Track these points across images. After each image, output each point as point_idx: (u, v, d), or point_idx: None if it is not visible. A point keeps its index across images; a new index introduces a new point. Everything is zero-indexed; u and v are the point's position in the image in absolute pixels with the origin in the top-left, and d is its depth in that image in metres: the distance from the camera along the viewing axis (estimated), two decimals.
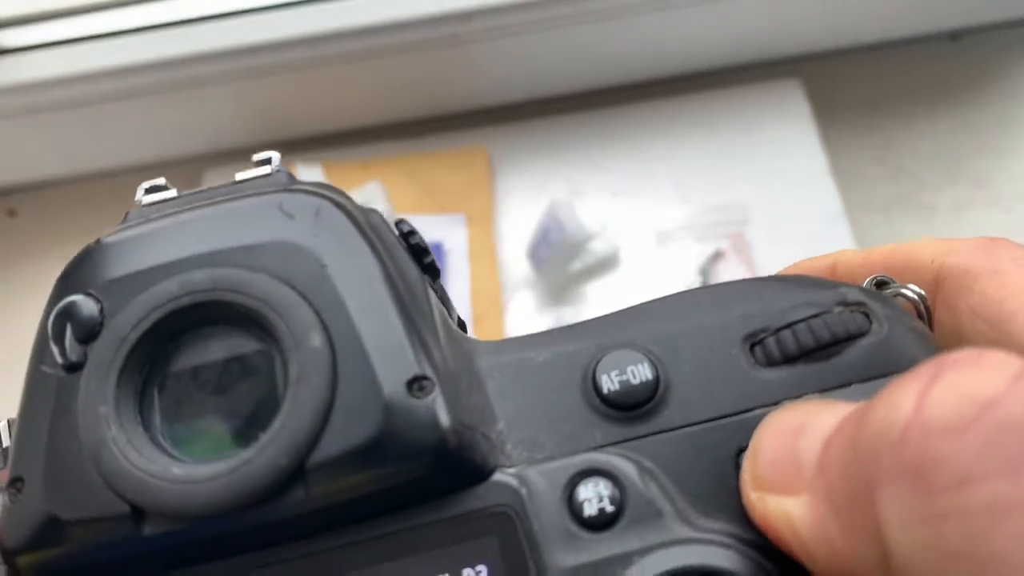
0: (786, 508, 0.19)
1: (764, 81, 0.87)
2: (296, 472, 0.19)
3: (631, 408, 0.22)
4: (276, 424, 0.20)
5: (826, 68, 0.89)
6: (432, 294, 0.23)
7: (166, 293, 0.21)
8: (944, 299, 0.24)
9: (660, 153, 0.86)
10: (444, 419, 0.20)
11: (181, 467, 0.20)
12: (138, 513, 0.20)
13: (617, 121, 0.88)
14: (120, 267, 0.21)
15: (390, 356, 0.20)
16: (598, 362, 0.22)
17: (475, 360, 0.23)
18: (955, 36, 0.89)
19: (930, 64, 0.88)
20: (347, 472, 0.20)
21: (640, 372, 0.22)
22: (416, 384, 0.20)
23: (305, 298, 0.21)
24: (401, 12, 0.80)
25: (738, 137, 0.85)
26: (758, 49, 0.89)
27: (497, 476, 0.21)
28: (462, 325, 0.25)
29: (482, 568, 0.20)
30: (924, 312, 0.25)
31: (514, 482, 0.21)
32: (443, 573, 0.20)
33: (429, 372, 0.20)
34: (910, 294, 0.25)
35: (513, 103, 0.91)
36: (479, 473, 0.21)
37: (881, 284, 0.26)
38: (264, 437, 0.20)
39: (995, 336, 0.23)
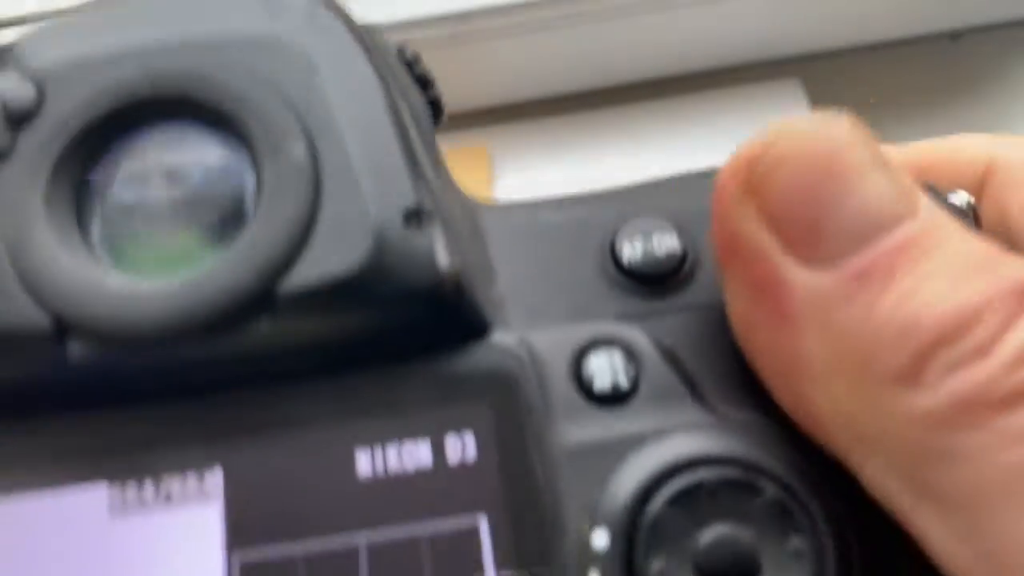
0: None
1: (764, 81, 0.86)
2: (263, 296, 0.16)
3: (653, 281, 0.19)
4: (243, 240, 0.16)
5: (826, 68, 0.88)
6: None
7: (125, 80, 0.17)
8: (991, 195, 0.22)
9: (661, 153, 0.84)
10: (443, 258, 0.17)
11: (122, 280, 0.16)
12: (62, 330, 0.16)
13: (617, 121, 0.87)
14: (71, 48, 0.18)
15: (385, 180, 0.17)
16: (619, 228, 0.20)
17: (478, 217, 0.20)
18: (955, 36, 0.88)
19: (930, 64, 0.87)
20: (325, 304, 0.16)
21: (666, 243, 0.19)
22: (413, 216, 0.17)
23: (289, 103, 0.17)
24: (400, 12, 0.77)
25: (739, 137, 0.84)
26: (758, 49, 0.88)
27: (496, 336, 0.18)
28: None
29: (469, 436, 0.17)
30: (973, 221, 0.22)
31: (515, 345, 0.18)
32: (423, 437, 0.17)
33: (429, 206, 0.17)
34: (958, 203, 0.23)
35: (513, 103, 0.89)
36: (475, 330, 0.18)
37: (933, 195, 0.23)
38: (227, 254, 0.16)
39: None
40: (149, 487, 0.17)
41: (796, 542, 0.16)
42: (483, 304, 0.18)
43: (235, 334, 0.16)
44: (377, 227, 0.17)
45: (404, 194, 0.17)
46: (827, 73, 0.87)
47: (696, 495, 0.16)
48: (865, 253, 0.16)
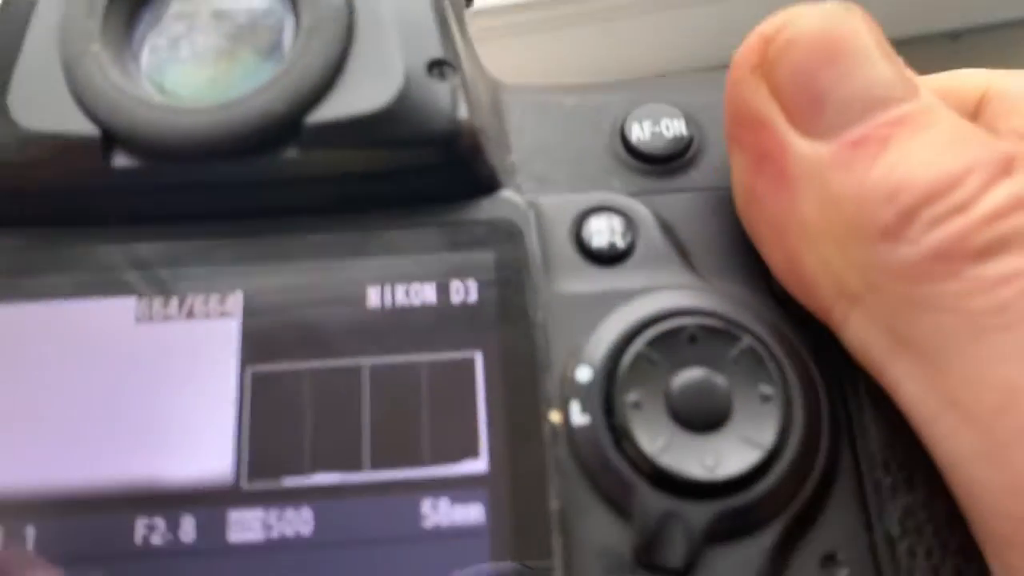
0: None
1: None
2: (292, 125, 0.17)
3: (658, 161, 0.20)
4: (279, 73, 0.18)
5: None
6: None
7: None
8: (986, 122, 0.23)
9: None
10: (463, 111, 0.18)
11: (165, 101, 0.18)
12: (109, 140, 0.18)
13: None
14: None
15: (414, 32, 0.18)
16: (631, 112, 0.21)
17: (499, 92, 0.21)
18: (955, 36, 0.88)
19: (930, 64, 0.86)
20: (349, 139, 0.18)
21: (674, 127, 0.21)
22: (437, 67, 0.18)
23: None
24: None
25: None
26: None
27: (506, 193, 0.19)
28: None
29: (472, 283, 0.19)
30: None
31: (523, 203, 0.19)
32: (429, 281, 0.19)
33: (454, 61, 0.18)
34: None
35: None
36: (486, 185, 0.19)
37: None
38: (263, 85, 0.18)
39: None
40: (174, 302, 0.19)
41: (766, 390, 0.17)
42: (496, 164, 0.19)
43: (263, 158, 0.18)
44: (405, 71, 0.18)
45: (431, 46, 0.18)
46: None
47: (676, 339, 0.17)
48: (863, 126, 0.17)
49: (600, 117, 0.21)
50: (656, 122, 0.20)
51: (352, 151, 0.18)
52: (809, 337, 0.19)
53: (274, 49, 0.18)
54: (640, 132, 0.20)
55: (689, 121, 0.21)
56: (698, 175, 0.20)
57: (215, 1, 0.19)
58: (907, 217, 0.16)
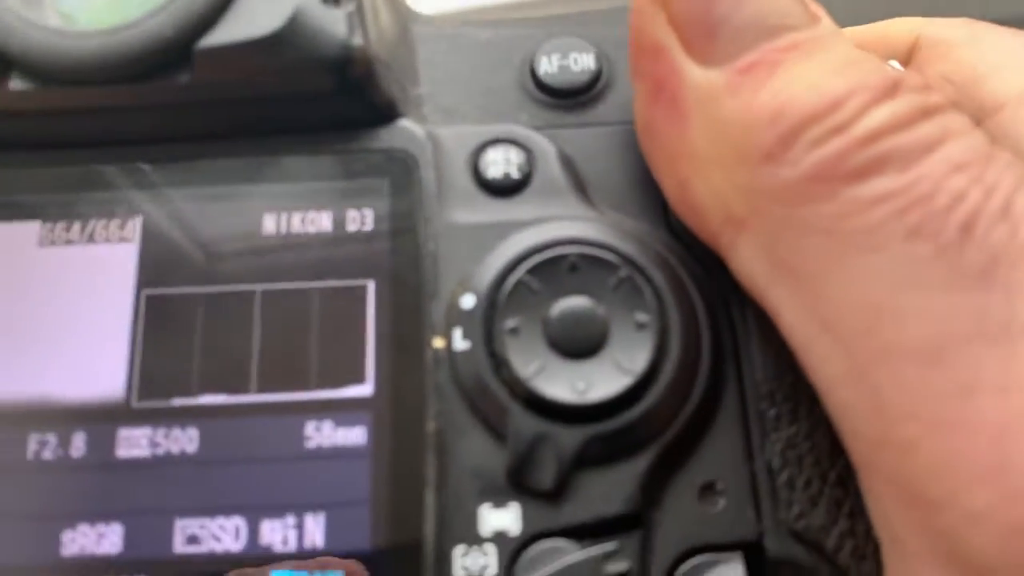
0: None
1: None
2: (182, 50, 0.18)
3: (565, 95, 0.20)
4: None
5: None
6: None
7: None
8: (916, 68, 0.23)
9: None
10: (357, 38, 0.18)
11: (63, 26, 0.18)
12: (4, 63, 0.18)
13: None
14: None
15: None
16: (541, 45, 0.21)
17: (411, 24, 0.21)
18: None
19: None
20: (239, 65, 0.18)
21: (583, 61, 0.20)
22: None
23: None
24: None
25: None
26: None
27: (404, 122, 0.19)
28: None
29: (368, 211, 0.19)
30: None
31: (421, 133, 0.19)
32: (325, 209, 0.19)
33: None
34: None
35: None
36: (384, 115, 0.19)
37: None
38: (158, 11, 0.18)
39: (961, 100, 0.21)
40: (76, 226, 0.19)
41: (642, 317, 0.17)
42: (396, 94, 0.20)
43: (155, 83, 0.18)
44: None
45: None
46: None
47: (557, 268, 0.18)
48: (753, 52, 0.17)
49: (511, 51, 0.21)
50: (565, 56, 0.20)
51: (243, 76, 0.18)
52: (699, 268, 0.19)
53: None
54: (548, 66, 0.20)
55: (599, 55, 0.21)
56: (605, 109, 0.20)
57: None
58: (788, 139, 0.16)
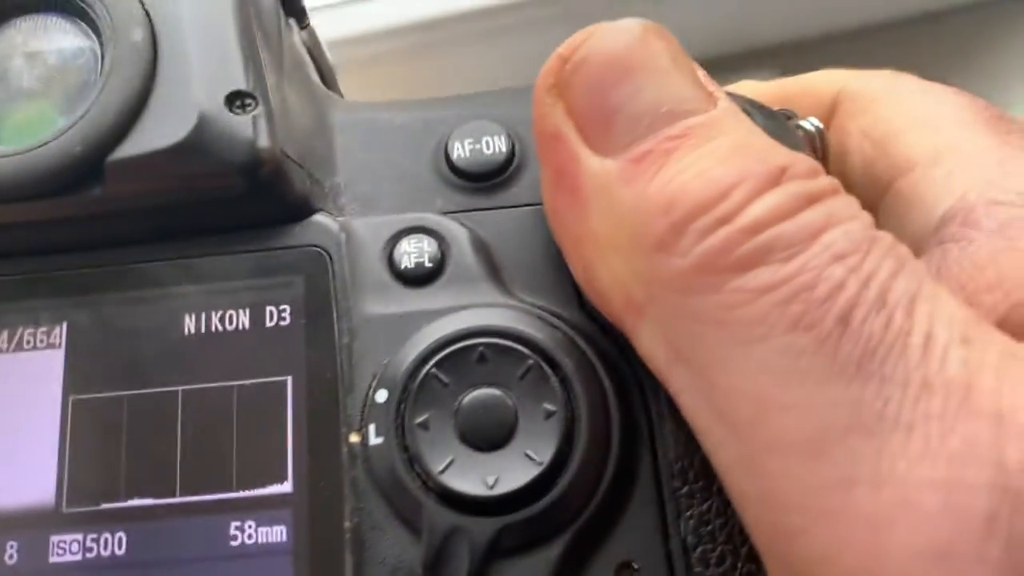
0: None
1: (743, 71, 0.85)
2: (94, 165, 0.18)
3: (478, 179, 0.21)
4: (83, 115, 0.18)
5: (805, 57, 0.86)
6: (294, 35, 0.22)
7: None
8: (838, 123, 0.23)
9: None
10: (263, 140, 0.19)
11: None
12: None
13: None
14: None
15: (215, 67, 0.19)
16: (454, 130, 0.21)
17: (328, 112, 0.22)
18: (934, 18, 0.86)
19: (909, 47, 0.85)
20: (149, 175, 0.18)
21: (495, 144, 0.21)
22: (238, 99, 0.19)
23: None
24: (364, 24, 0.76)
25: None
26: (736, 40, 0.86)
27: (318, 217, 0.20)
28: (330, 78, 0.24)
29: (285, 307, 0.19)
30: (820, 146, 0.23)
31: (335, 227, 0.20)
32: (243, 307, 0.19)
33: (256, 92, 0.19)
34: (808, 127, 0.24)
35: None
36: (298, 211, 0.20)
37: (784, 119, 0.24)
38: (69, 127, 0.18)
39: (876, 155, 0.22)
40: (3, 335, 0.19)
41: (550, 406, 0.18)
42: (311, 191, 0.20)
43: (71, 197, 0.18)
44: (202, 107, 0.18)
45: (232, 79, 0.19)
46: (806, 61, 0.85)
47: (466, 359, 0.18)
48: (647, 141, 0.17)
49: (426, 135, 0.21)
50: (477, 140, 0.21)
51: (154, 185, 0.19)
52: (613, 350, 0.19)
53: (83, 90, 0.19)
54: (461, 150, 0.21)
55: (512, 137, 0.21)
56: (519, 190, 0.21)
57: (29, 43, 0.19)
58: (678, 228, 0.16)
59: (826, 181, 0.17)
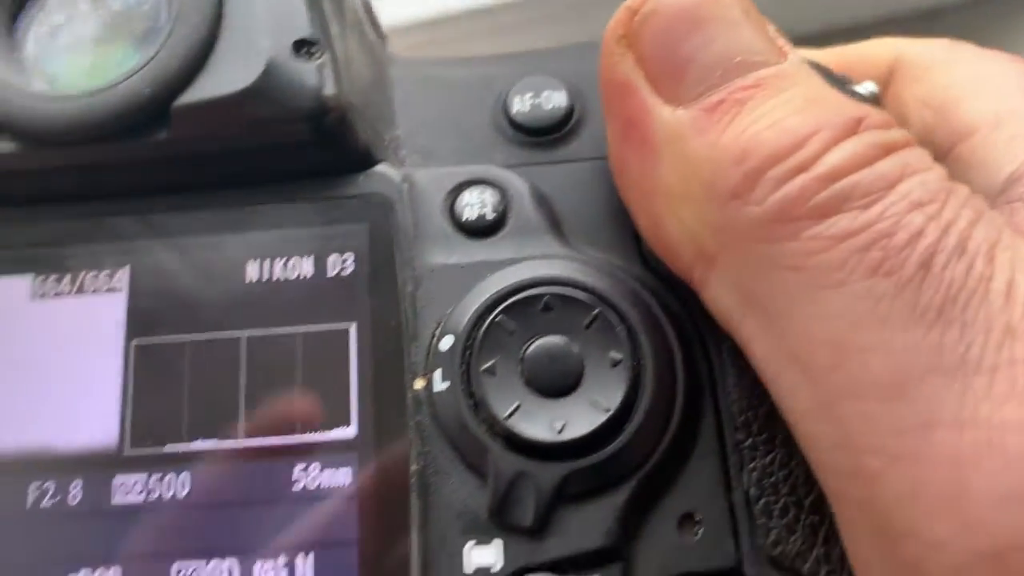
0: None
1: None
2: (161, 109, 0.18)
3: (538, 133, 0.21)
4: (150, 59, 0.18)
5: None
6: None
7: None
8: (895, 91, 0.23)
9: None
10: (329, 88, 0.19)
11: (46, 88, 0.18)
12: None
13: None
14: None
15: (281, 14, 0.19)
16: (514, 84, 0.21)
17: (387, 67, 0.22)
18: (931, 15, 0.85)
19: None
20: (215, 120, 0.18)
21: (555, 99, 0.21)
22: (305, 47, 0.19)
23: None
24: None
25: None
26: None
27: (381, 167, 0.20)
28: (383, 36, 0.23)
29: (349, 255, 0.19)
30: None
31: (397, 177, 0.20)
32: (307, 255, 0.19)
33: (321, 40, 0.19)
34: (864, 92, 0.23)
35: None
36: (361, 161, 0.20)
37: (843, 83, 0.24)
38: (135, 71, 0.18)
39: (936, 122, 0.22)
40: (67, 279, 0.20)
41: (616, 355, 0.18)
42: (373, 139, 0.20)
43: (138, 140, 0.18)
44: (269, 53, 0.18)
45: (299, 27, 0.19)
46: None
47: (532, 308, 0.18)
48: (719, 91, 0.17)
49: (485, 90, 0.21)
50: (537, 94, 0.21)
51: (220, 131, 0.19)
52: (675, 302, 0.19)
53: (149, 35, 0.19)
54: (521, 105, 0.21)
55: (572, 92, 0.21)
56: (579, 146, 0.21)
57: None
58: (753, 178, 0.16)
59: (901, 133, 0.17)
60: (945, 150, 0.22)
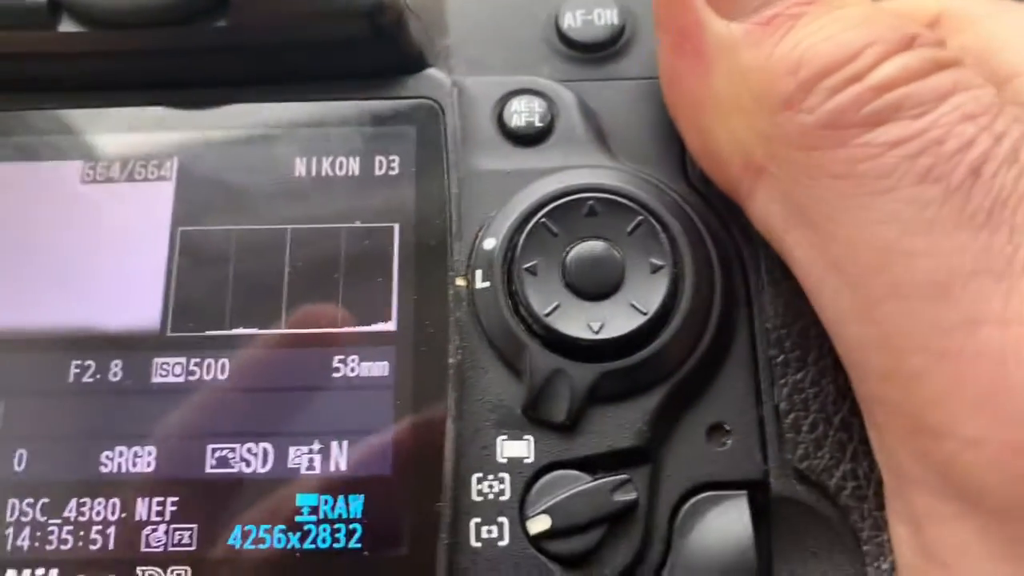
0: None
1: None
2: None
3: (588, 49, 0.21)
4: None
5: None
6: None
7: None
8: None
9: None
10: None
11: None
12: (54, 6, 0.19)
13: None
14: None
15: None
16: (566, 1, 0.21)
17: None
18: None
19: None
20: (274, 10, 0.19)
21: (607, 16, 0.21)
22: None
23: None
24: None
25: None
26: None
27: (431, 71, 0.20)
28: None
29: (395, 157, 0.19)
30: None
31: (447, 82, 0.20)
32: (355, 155, 0.19)
33: None
34: None
35: None
36: (413, 64, 0.20)
37: None
38: None
39: (978, 68, 0.22)
40: (116, 165, 0.20)
41: (657, 261, 0.18)
42: (424, 44, 0.20)
43: (196, 27, 0.19)
44: None
45: None
46: None
47: (576, 212, 0.18)
48: (776, 5, 0.17)
49: (537, 4, 0.21)
50: (589, 11, 0.21)
51: (278, 22, 0.19)
52: (716, 221, 0.19)
53: None
54: (572, 20, 0.21)
55: (623, 11, 0.21)
56: (628, 64, 0.21)
57: None
58: (807, 87, 0.16)
59: (954, 52, 0.17)
60: None
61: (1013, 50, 0.22)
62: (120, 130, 0.20)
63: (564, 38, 0.21)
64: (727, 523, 0.17)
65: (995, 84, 0.22)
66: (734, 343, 0.18)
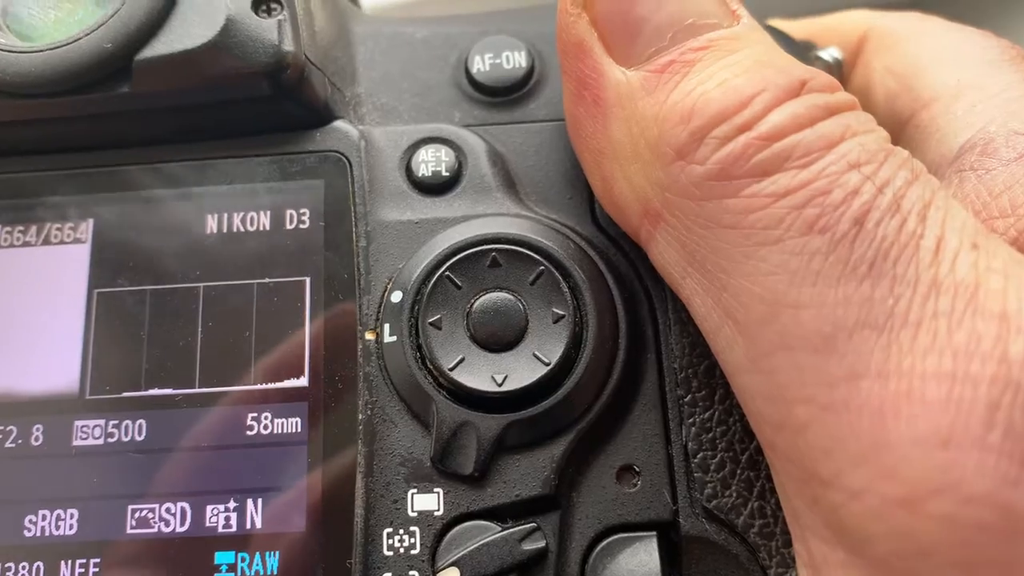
0: None
1: None
2: (123, 62, 0.19)
3: (497, 93, 0.21)
4: (113, 15, 0.19)
5: None
6: None
7: None
8: (864, 60, 0.23)
9: None
10: (287, 44, 0.19)
11: (13, 43, 0.19)
12: None
13: None
14: None
15: None
16: (475, 44, 0.21)
17: (351, 24, 0.22)
18: (915, 2, 0.84)
19: None
20: (176, 74, 0.19)
21: (515, 59, 0.21)
22: (264, 4, 0.19)
23: None
24: None
25: None
26: None
27: (339, 124, 0.20)
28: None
29: (305, 211, 0.20)
30: (838, 76, 0.23)
31: (355, 134, 0.20)
32: (265, 209, 0.20)
33: None
34: (827, 57, 0.24)
35: None
36: (319, 117, 0.20)
37: (805, 49, 0.24)
38: (100, 27, 0.19)
39: (899, 90, 0.22)
40: (32, 229, 0.20)
41: (559, 310, 0.18)
42: (333, 95, 0.20)
43: (100, 94, 0.19)
44: (229, 10, 0.19)
45: None
46: None
47: (478, 264, 0.18)
48: (671, 52, 0.17)
49: (447, 49, 0.22)
50: (497, 54, 0.21)
51: (181, 86, 0.19)
52: (624, 262, 0.19)
53: None
54: (481, 64, 0.21)
55: (531, 53, 0.21)
56: (537, 106, 0.21)
57: None
58: (697, 137, 0.16)
59: (844, 96, 0.17)
60: (906, 117, 0.22)
61: (936, 72, 0.22)
62: (34, 194, 0.20)
63: (474, 82, 0.21)
64: (638, 564, 0.18)
65: (917, 107, 0.22)
66: (643, 384, 0.19)
